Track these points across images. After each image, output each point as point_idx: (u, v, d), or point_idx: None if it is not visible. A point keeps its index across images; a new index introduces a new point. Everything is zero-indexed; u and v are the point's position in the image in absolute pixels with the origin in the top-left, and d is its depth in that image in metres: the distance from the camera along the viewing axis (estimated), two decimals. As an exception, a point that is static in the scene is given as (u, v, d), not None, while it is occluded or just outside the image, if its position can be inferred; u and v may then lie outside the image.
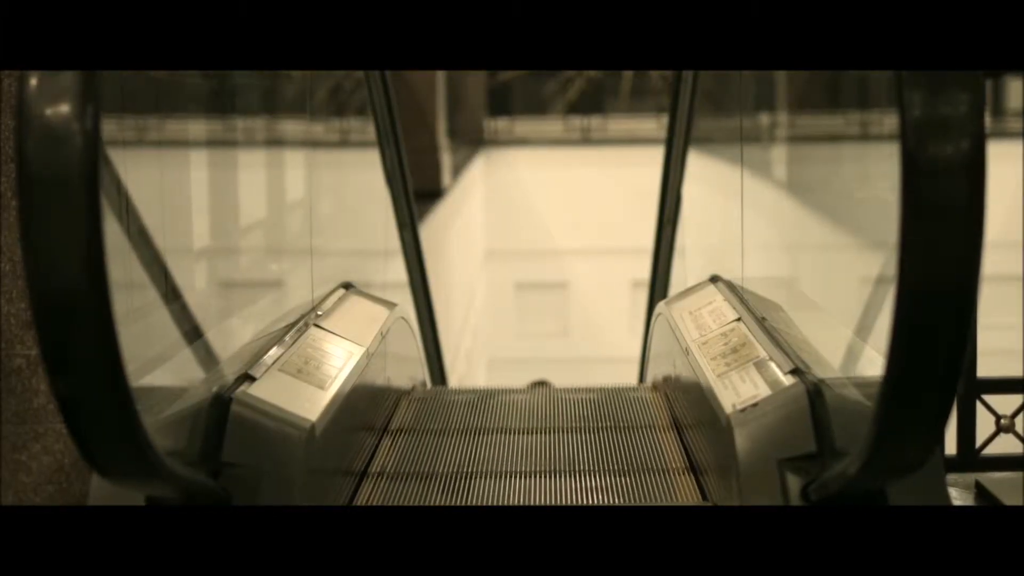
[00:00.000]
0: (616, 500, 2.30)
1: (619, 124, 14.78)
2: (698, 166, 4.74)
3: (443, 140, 10.16)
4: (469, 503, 2.27)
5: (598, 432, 2.71)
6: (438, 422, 2.92)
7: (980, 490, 2.20)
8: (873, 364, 1.75)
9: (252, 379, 2.01)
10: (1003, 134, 10.51)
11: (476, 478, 2.42)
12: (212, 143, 2.85)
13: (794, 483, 1.83)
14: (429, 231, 7.30)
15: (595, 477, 2.42)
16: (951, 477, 2.22)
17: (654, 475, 2.42)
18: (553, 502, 2.30)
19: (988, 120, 1.35)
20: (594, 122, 14.95)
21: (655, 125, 12.70)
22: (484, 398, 3.20)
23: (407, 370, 3.40)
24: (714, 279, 2.89)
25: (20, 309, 2.13)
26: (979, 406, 2.27)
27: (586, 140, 14.64)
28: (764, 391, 2.01)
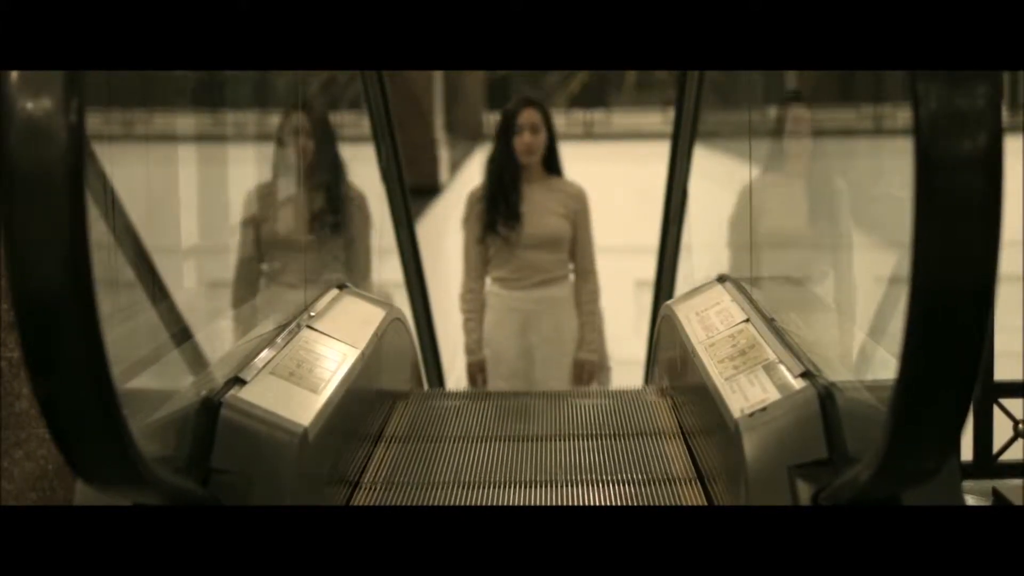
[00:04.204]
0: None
1: (623, 118, 14.76)
2: (705, 162, 4.70)
3: (440, 134, 10.15)
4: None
5: (602, 439, 2.65)
6: (435, 429, 2.85)
7: (997, 497, 2.16)
8: (887, 367, 1.71)
9: (243, 382, 1.96)
10: (1019, 129, 10.43)
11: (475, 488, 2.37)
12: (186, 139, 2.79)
13: (805, 490, 1.79)
14: (426, 228, 7.26)
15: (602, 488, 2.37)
16: (967, 484, 2.18)
17: (660, 484, 2.37)
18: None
19: (1004, 114, 1.30)
20: (597, 116, 14.94)
21: (660, 119, 12.67)
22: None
23: (403, 372, 3.35)
24: (721, 279, 2.84)
25: (2, 310, 2.08)
26: (996, 410, 2.23)
27: (589, 135, 14.61)
28: (773, 395, 1.98)
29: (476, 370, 4.52)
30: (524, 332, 4.46)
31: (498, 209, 4.43)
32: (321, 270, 3.94)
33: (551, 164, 4.56)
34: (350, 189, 4.41)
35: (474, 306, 4.51)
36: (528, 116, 4.47)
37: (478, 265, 4.50)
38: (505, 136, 4.51)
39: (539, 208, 4.43)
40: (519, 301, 4.45)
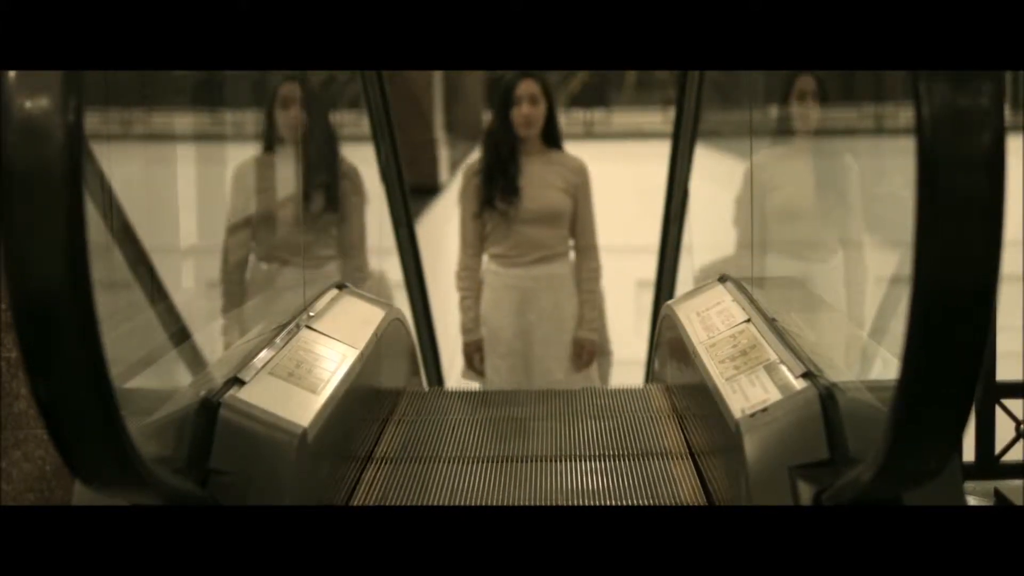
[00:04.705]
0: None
1: (623, 117, 14.73)
2: (708, 161, 4.69)
3: (440, 134, 10.15)
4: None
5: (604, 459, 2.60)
6: (433, 435, 2.82)
7: (999, 497, 2.15)
8: (888, 367, 1.70)
9: (241, 383, 1.96)
10: (1021, 128, 10.40)
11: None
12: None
13: (806, 490, 1.78)
14: (426, 228, 7.25)
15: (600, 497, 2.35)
16: (969, 484, 2.17)
17: (662, 485, 2.36)
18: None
19: (1007, 113, 1.30)
20: (597, 115, 14.91)
21: (661, 118, 12.66)
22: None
23: (403, 372, 3.33)
24: (723, 279, 2.83)
25: (1, 310, 2.07)
26: (998, 411, 2.22)
27: (589, 134, 14.58)
28: (774, 395, 1.96)
29: (473, 350, 4.36)
30: (522, 310, 4.29)
31: (496, 183, 4.24)
32: (314, 247, 3.90)
33: (551, 137, 4.35)
34: (343, 163, 4.32)
35: (471, 284, 4.35)
36: (527, 87, 4.25)
37: (475, 241, 4.33)
38: (503, 108, 4.31)
39: (538, 182, 4.26)
40: (517, 278, 4.29)
